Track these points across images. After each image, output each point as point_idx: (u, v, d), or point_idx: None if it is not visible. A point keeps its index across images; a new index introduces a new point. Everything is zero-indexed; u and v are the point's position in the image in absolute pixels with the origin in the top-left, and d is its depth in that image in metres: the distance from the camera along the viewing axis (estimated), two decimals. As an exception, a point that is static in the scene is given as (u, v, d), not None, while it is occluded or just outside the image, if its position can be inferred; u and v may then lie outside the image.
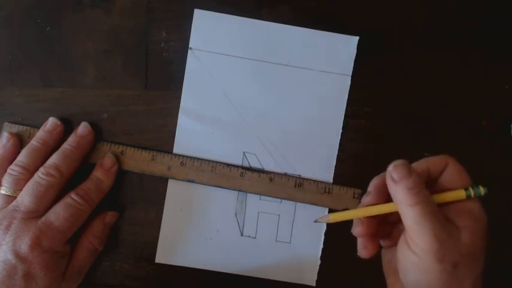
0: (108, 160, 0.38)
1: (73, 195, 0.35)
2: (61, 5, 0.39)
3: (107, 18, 0.39)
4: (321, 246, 0.39)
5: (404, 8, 0.40)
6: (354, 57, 0.39)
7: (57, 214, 0.34)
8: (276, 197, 0.39)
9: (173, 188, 0.39)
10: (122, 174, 0.38)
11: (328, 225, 0.39)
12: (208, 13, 0.39)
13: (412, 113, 0.40)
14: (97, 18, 0.39)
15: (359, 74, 0.39)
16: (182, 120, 0.39)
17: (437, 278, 0.29)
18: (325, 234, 0.39)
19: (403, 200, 0.29)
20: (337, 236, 0.39)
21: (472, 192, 0.29)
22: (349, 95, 0.39)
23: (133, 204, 0.39)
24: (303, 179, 0.39)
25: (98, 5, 0.39)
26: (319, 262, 0.39)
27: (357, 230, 0.32)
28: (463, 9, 0.40)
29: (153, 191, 0.39)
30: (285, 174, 0.39)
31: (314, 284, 0.39)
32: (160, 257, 0.39)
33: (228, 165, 0.39)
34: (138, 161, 0.38)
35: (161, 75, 0.39)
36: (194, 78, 0.39)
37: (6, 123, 0.38)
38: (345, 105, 0.39)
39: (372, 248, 0.32)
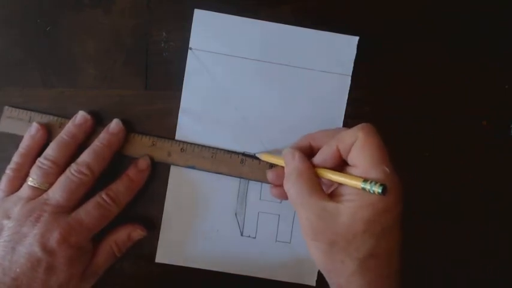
0: (143, 162, 0.38)
1: (104, 195, 0.36)
2: (61, 5, 0.39)
3: (107, 18, 0.39)
4: (321, 246, 0.39)
5: (404, 8, 0.40)
6: (354, 57, 0.39)
7: (88, 212, 0.35)
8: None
9: (173, 187, 0.39)
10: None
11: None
12: (208, 13, 0.39)
13: (412, 113, 0.40)
14: (97, 18, 0.39)
15: (359, 74, 0.39)
16: (182, 120, 0.39)
17: (318, 256, 0.31)
18: (325, 234, 0.39)
19: (284, 184, 0.33)
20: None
21: (367, 188, 0.29)
22: (349, 95, 0.39)
23: (134, 203, 0.38)
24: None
25: (98, 5, 0.39)
26: (319, 262, 0.39)
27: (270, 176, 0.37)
28: (463, 9, 0.40)
29: (153, 191, 0.39)
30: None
31: (314, 284, 0.39)
32: (160, 257, 0.39)
33: (229, 151, 0.39)
34: (138, 146, 0.38)
35: (161, 75, 0.39)
36: (194, 78, 0.39)
37: (6, 107, 0.38)
38: (345, 105, 0.39)
39: (282, 192, 0.35)
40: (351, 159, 0.31)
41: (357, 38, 0.39)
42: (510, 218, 0.40)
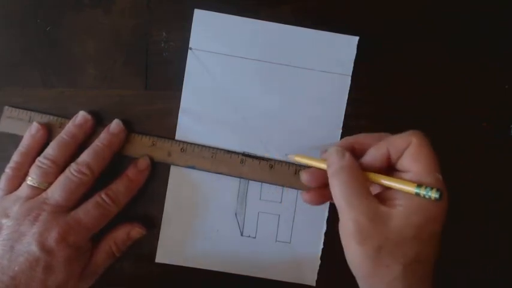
0: (143, 162, 0.38)
1: (103, 195, 0.36)
2: (61, 5, 0.39)
3: (107, 18, 0.39)
4: (321, 246, 0.39)
5: (404, 8, 0.40)
6: (354, 57, 0.39)
7: (87, 212, 0.35)
8: (276, 184, 0.39)
9: (173, 187, 0.39)
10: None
11: (328, 225, 0.39)
12: (208, 13, 0.39)
13: (412, 113, 0.40)
14: (97, 18, 0.39)
15: (359, 74, 0.39)
16: (182, 120, 0.39)
17: (361, 260, 0.29)
18: (325, 234, 0.39)
19: (330, 182, 0.31)
20: (337, 236, 0.39)
21: (422, 193, 0.29)
22: (349, 95, 0.39)
23: (133, 203, 0.38)
24: (304, 166, 0.38)
25: (98, 5, 0.39)
26: (319, 262, 0.39)
27: (304, 177, 0.34)
28: (463, 9, 0.40)
29: (153, 191, 0.39)
30: (285, 162, 0.39)
31: (314, 284, 0.39)
32: (160, 257, 0.39)
33: (229, 151, 0.39)
34: (138, 146, 0.38)
35: (161, 75, 0.39)
36: (194, 78, 0.39)
37: (6, 107, 0.39)
38: (345, 105, 0.39)
39: (315, 197, 0.34)
40: (401, 164, 0.31)
41: (357, 38, 0.39)
42: (510, 218, 0.40)
